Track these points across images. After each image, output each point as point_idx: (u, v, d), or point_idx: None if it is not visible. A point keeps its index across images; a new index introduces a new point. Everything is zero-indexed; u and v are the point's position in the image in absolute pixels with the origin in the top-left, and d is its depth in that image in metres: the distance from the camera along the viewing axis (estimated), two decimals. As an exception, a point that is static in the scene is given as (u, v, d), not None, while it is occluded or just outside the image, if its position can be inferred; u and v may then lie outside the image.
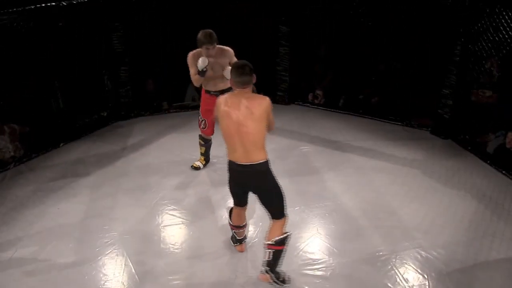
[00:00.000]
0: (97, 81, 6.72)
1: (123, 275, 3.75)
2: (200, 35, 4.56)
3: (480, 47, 5.64)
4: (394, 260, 3.84)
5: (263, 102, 3.27)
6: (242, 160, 3.32)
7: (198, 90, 7.60)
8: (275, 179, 3.45)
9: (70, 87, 6.25)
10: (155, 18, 7.01)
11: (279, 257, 3.49)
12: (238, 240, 4.00)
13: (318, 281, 3.63)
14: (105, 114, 6.86)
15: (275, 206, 3.47)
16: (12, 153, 5.69)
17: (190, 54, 4.79)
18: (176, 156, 5.82)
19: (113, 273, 3.77)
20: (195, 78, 4.77)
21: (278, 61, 7.33)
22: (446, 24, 5.87)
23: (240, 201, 3.71)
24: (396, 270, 3.72)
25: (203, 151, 5.49)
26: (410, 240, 4.10)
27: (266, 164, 3.38)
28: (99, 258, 3.96)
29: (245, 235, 4.05)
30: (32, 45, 5.67)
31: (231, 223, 3.90)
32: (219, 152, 5.72)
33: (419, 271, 3.71)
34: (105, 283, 3.66)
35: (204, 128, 5.23)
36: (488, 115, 5.71)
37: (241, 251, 4.02)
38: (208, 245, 4.13)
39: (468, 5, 5.56)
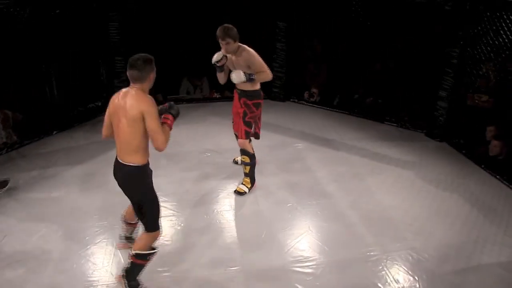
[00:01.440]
0: (93, 70, 6.67)
1: (111, 264, 3.71)
2: (217, 30, 4.33)
3: (479, 50, 5.64)
4: (385, 260, 3.82)
5: (139, 104, 3.02)
6: (118, 155, 3.18)
7: (193, 83, 7.61)
8: (146, 189, 3.22)
9: (66, 75, 6.19)
10: (152, 9, 6.98)
11: (138, 271, 3.30)
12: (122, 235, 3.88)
13: (308, 279, 3.61)
14: (99, 104, 6.81)
15: (142, 217, 3.26)
16: (4, 139, 5.62)
17: None
18: (168, 148, 5.72)
19: (102, 262, 3.73)
20: (217, 75, 4.67)
21: (274, 57, 7.30)
22: (445, 27, 5.86)
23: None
24: (387, 271, 3.70)
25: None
26: (402, 241, 4.09)
27: (136, 169, 3.14)
28: (88, 247, 3.91)
29: (131, 236, 3.84)
30: (28, 32, 5.60)
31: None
32: (212, 145, 5.73)
33: (410, 272, 3.69)
34: (93, 272, 3.62)
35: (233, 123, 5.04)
36: (484, 120, 5.70)
37: (118, 248, 3.86)
38: (198, 238, 4.09)
39: (469, 9, 5.55)
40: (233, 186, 4.94)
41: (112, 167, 3.28)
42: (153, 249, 3.31)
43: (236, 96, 4.75)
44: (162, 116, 3.27)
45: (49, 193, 4.76)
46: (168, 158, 5.52)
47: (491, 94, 5.74)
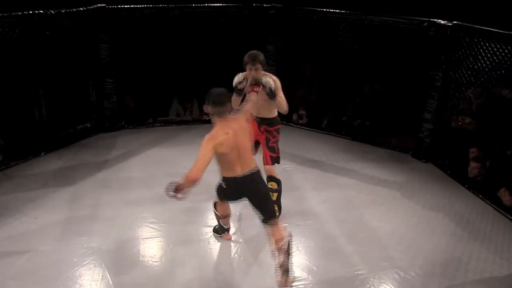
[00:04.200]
0: (82, 91, 6.71)
1: (99, 286, 3.70)
2: (245, 56, 4.34)
3: (461, 74, 5.81)
4: (372, 279, 3.87)
5: (244, 119, 3.69)
6: (245, 169, 3.59)
7: (183, 105, 7.68)
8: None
9: (55, 96, 6.23)
10: (143, 31, 7.08)
11: (290, 251, 3.68)
12: (225, 229, 4.38)
13: (297, 298, 3.64)
14: (88, 125, 6.83)
15: (270, 209, 3.74)
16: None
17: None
18: (158, 170, 5.81)
19: (90, 284, 3.72)
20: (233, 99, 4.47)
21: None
22: (429, 51, 6.02)
23: (231, 201, 4.15)
24: (374, 290, 3.75)
25: None
26: (389, 260, 4.14)
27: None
28: (76, 269, 3.90)
29: (229, 224, 4.39)
30: (17, 52, 5.65)
31: (218, 213, 4.29)
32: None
33: (396, 291, 3.75)
34: (81, 294, 3.61)
35: None
36: (467, 141, 5.82)
37: (229, 239, 4.40)
38: (187, 259, 4.11)
39: (449, 35, 5.74)
40: (222, 206, 4.97)
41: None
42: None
43: (254, 124, 4.62)
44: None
45: (36, 215, 4.74)
46: (157, 179, 5.54)
47: (474, 116, 5.87)
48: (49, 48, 6.01)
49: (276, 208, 4.58)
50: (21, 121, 5.98)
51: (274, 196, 4.65)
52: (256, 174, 3.67)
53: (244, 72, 4.37)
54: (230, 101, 3.67)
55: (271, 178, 4.66)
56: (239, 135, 3.53)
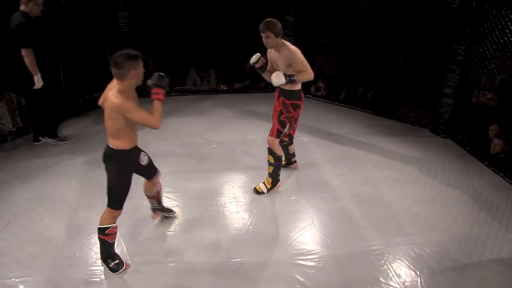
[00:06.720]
0: (100, 59, 6.69)
1: (115, 254, 3.75)
2: None
3: (485, 48, 5.64)
4: (387, 255, 3.85)
5: (114, 105, 3.17)
6: (107, 138, 3.42)
7: (200, 74, 7.63)
8: (119, 172, 3.46)
9: (72, 63, 6.21)
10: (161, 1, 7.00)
11: (104, 247, 3.54)
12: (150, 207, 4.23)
13: (310, 272, 3.63)
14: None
15: (108, 193, 3.51)
16: (10, 126, 5.65)
17: None
18: (174, 139, 5.81)
19: (105, 251, 3.77)
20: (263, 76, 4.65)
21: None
22: (452, 24, 5.85)
23: None
24: (389, 265, 3.73)
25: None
26: (404, 236, 4.11)
27: (115, 151, 3.39)
28: (91, 236, 3.93)
29: (158, 207, 4.18)
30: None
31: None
32: (217, 137, 5.75)
33: (411, 267, 3.72)
34: (96, 261, 3.65)
35: None
36: (488, 117, 5.70)
37: (151, 218, 4.23)
38: (202, 229, 4.13)
39: (475, 7, 5.55)
40: (237, 178, 4.98)
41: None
42: (109, 225, 3.51)
43: (276, 94, 4.63)
44: (152, 91, 3.37)
45: (53, 181, 4.79)
46: (173, 149, 5.55)
47: (496, 92, 5.74)
48: (67, 16, 5.96)
49: (270, 180, 4.71)
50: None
51: (270, 169, 4.68)
52: (106, 149, 3.56)
53: (258, 54, 4.42)
54: (120, 67, 3.17)
55: (270, 150, 4.63)
56: (106, 101, 3.41)
